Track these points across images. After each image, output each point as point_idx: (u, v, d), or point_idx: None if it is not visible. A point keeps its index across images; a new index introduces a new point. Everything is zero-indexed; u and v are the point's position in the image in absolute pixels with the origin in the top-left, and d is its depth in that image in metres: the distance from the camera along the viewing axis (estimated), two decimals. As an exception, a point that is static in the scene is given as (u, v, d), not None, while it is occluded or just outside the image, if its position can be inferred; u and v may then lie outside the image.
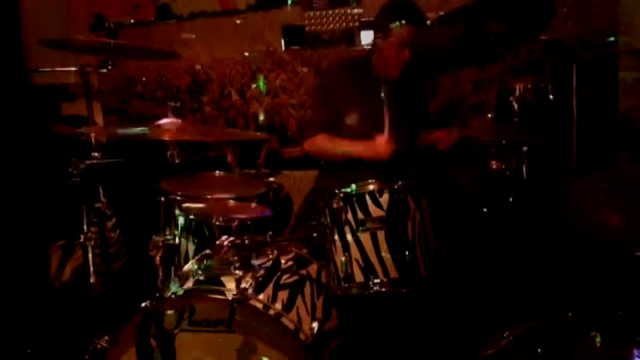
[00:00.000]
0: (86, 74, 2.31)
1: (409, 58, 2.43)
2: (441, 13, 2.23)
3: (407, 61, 2.45)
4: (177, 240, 2.15)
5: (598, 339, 1.55)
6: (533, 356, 1.60)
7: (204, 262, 1.88)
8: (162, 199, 2.21)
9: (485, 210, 2.44)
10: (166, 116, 1.82)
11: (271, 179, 2.56)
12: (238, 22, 3.79)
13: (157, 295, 1.74)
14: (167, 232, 2.07)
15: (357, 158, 2.44)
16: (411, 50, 2.40)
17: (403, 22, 2.38)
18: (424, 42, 2.29)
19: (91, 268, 2.17)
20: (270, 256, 1.97)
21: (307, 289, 1.89)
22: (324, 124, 2.57)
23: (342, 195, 1.86)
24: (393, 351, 2.06)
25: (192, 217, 2.13)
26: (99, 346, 2.05)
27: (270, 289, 1.77)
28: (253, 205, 2.18)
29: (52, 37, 2.37)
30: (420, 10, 2.45)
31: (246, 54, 3.82)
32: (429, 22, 2.46)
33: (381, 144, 2.36)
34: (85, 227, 2.14)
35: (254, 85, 3.79)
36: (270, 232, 2.02)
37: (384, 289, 1.80)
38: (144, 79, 4.05)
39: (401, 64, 2.47)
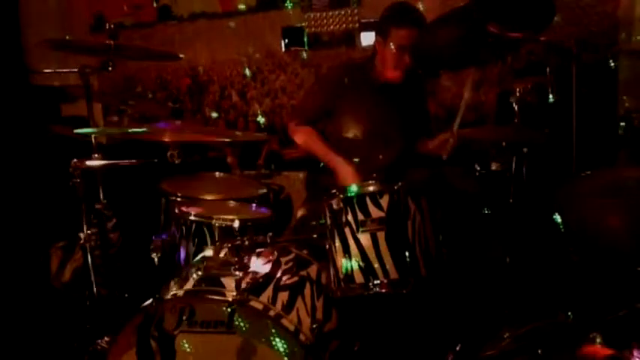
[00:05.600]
0: (86, 75, 2.31)
1: (410, 62, 2.44)
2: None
3: (408, 65, 2.46)
4: (177, 241, 2.15)
5: (598, 340, 1.55)
6: (534, 356, 1.60)
7: (204, 263, 1.88)
8: (163, 199, 2.22)
9: (485, 211, 2.44)
10: (166, 117, 1.82)
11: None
12: (233, 24, 3.79)
13: (157, 295, 1.74)
14: (167, 233, 2.07)
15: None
16: (411, 52, 2.40)
17: (406, 26, 2.39)
18: (423, 43, 2.29)
19: (91, 269, 2.17)
20: (270, 257, 1.97)
21: (307, 290, 1.89)
22: (315, 113, 2.59)
23: (342, 196, 1.86)
24: (392, 351, 2.06)
25: (192, 218, 2.13)
26: (99, 347, 2.05)
27: (270, 290, 1.77)
28: (253, 206, 2.18)
29: (52, 38, 2.37)
30: (421, 14, 2.46)
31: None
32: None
33: (348, 174, 2.38)
34: (85, 228, 2.14)
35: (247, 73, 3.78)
36: (271, 233, 2.02)
37: (384, 290, 1.80)
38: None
39: (403, 68, 2.48)
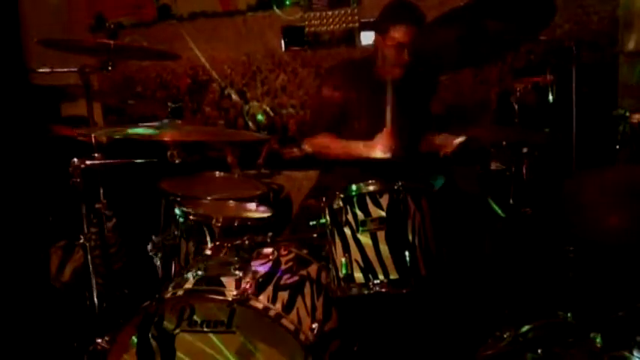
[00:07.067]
0: (86, 75, 2.31)
1: (409, 59, 2.45)
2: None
3: (407, 62, 2.46)
4: (177, 241, 2.15)
5: (598, 339, 1.55)
6: (533, 357, 1.60)
7: (204, 262, 1.88)
8: (163, 199, 2.22)
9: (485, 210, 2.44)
10: (166, 117, 1.83)
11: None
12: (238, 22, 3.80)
13: (157, 295, 1.74)
14: (167, 233, 2.06)
15: (360, 158, 2.47)
16: (410, 51, 2.41)
17: (404, 23, 2.40)
18: (423, 42, 2.30)
19: (91, 269, 2.17)
20: (270, 257, 1.97)
21: (307, 290, 1.88)
22: (326, 126, 2.59)
23: (342, 195, 1.86)
24: (393, 351, 2.06)
25: (192, 217, 2.13)
26: (99, 347, 2.04)
27: (270, 290, 1.77)
28: (253, 205, 2.18)
29: (52, 38, 2.37)
30: (421, 12, 2.47)
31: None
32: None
33: (383, 139, 2.38)
34: (85, 228, 2.14)
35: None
36: (271, 233, 2.02)
37: (384, 290, 1.80)
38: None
39: (401, 65, 2.48)
